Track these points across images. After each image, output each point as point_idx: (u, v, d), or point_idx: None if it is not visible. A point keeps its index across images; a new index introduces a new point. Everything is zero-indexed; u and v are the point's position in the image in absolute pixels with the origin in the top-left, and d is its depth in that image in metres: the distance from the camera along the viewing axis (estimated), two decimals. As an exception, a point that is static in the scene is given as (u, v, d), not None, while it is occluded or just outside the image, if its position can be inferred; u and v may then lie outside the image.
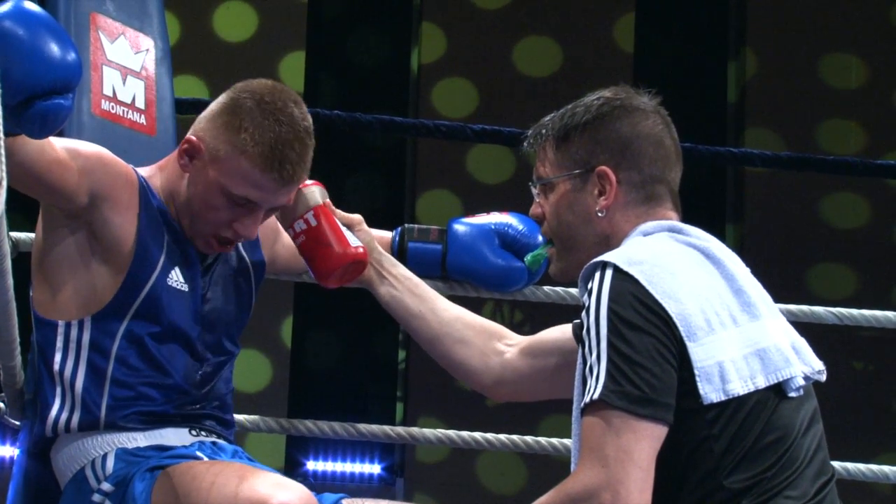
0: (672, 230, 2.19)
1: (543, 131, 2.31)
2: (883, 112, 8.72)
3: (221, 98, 2.47)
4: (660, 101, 2.30)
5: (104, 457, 2.40)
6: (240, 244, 2.57)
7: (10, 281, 2.25)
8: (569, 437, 2.20)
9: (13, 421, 2.62)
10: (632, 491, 1.97)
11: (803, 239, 8.58)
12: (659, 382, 2.01)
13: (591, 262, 2.13)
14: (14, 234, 2.60)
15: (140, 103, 2.79)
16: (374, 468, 8.37)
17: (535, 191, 2.34)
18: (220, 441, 2.49)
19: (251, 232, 2.45)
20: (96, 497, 2.38)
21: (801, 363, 2.12)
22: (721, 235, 9.18)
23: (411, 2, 8.88)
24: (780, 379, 2.08)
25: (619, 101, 2.27)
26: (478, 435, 2.97)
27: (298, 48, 8.52)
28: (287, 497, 2.20)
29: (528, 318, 8.29)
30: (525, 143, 2.34)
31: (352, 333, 8.65)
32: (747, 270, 2.18)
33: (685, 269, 2.10)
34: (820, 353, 2.19)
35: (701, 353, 2.04)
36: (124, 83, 2.80)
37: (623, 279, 2.06)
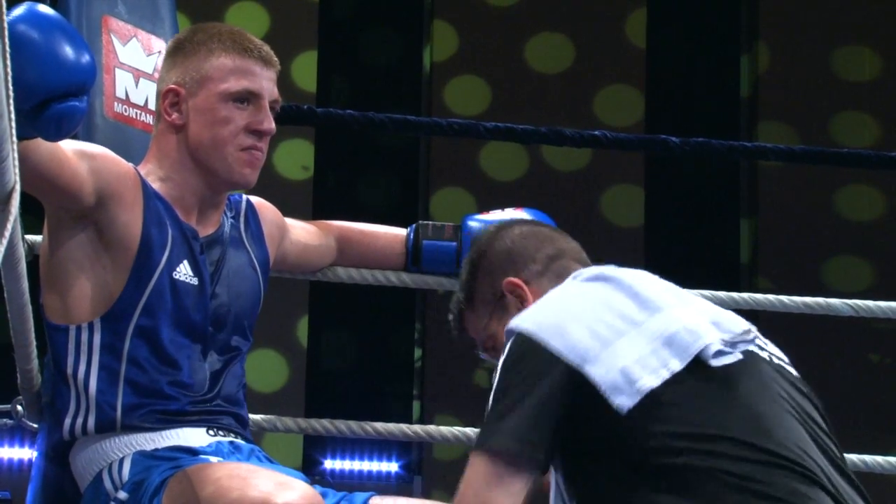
0: (575, 277, 2.19)
1: (455, 311, 2.34)
2: (897, 104, 8.70)
3: (164, 57, 2.59)
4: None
5: (121, 461, 2.39)
6: (245, 240, 2.57)
7: (26, 284, 2.25)
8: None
9: (31, 424, 2.62)
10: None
11: (818, 232, 8.56)
12: (528, 428, 2.00)
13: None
14: (29, 237, 2.60)
15: (153, 105, 2.79)
16: (392, 466, 8.38)
17: (487, 356, 2.33)
18: (238, 440, 2.49)
19: (270, 124, 2.51)
20: (113, 505, 2.37)
21: (719, 331, 2.04)
22: (735, 230, 9.18)
23: (423, 0, 8.88)
24: (694, 353, 2.00)
25: (482, 236, 2.33)
26: (495, 432, 2.96)
27: (310, 48, 8.53)
28: (290, 497, 2.17)
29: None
30: (455, 333, 2.36)
31: (368, 332, 8.65)
32: (652, 276, 2.14)
33: (572, 298, 2.10)
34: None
35: (600, 370, 1.99)
36: (137, 85, 2.80)
37: (518, 339, 2.06)
